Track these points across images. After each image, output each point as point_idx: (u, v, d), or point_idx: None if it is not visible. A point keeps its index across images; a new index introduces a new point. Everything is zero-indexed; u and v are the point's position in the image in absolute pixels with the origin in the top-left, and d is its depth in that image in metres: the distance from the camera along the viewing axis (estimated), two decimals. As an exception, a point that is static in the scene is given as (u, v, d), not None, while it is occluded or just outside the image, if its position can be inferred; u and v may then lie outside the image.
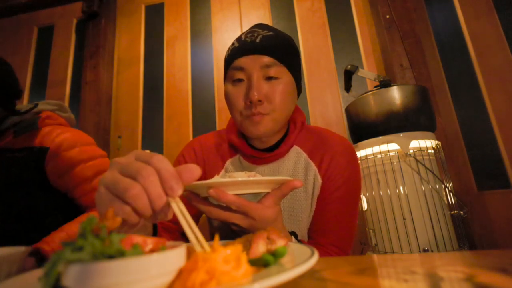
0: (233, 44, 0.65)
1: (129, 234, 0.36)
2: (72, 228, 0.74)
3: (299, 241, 0.58)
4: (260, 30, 0.64)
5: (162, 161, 0.30)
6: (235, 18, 2.02)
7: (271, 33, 0.63)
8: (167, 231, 0.66)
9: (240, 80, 0.62)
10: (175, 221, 0.66)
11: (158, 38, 2.11)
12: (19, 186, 0.80)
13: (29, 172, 0.81)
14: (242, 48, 0.62)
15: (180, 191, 0.29)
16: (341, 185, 0.65)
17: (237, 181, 0.39)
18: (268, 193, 0.45)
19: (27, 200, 0.81)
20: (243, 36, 0.64)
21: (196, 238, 0.28)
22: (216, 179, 0.45)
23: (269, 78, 0.61)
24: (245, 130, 0.63)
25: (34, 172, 0.81)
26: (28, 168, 0.81)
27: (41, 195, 0.82)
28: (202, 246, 0.27)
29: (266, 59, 0.60)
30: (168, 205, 0.30)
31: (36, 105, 0.92)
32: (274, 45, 0.61)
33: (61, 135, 0.85)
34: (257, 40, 0.61)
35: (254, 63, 0.60)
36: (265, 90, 0.60)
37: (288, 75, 0.63)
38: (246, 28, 1.98)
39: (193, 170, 0.31)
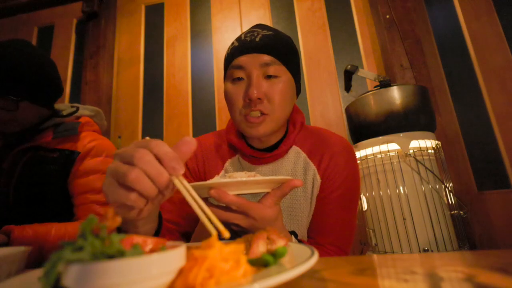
0: (233, 43, 0.65)
1: (136, 223, 0.38)
2: (54, 228, 0.74)
3: (299, 241, 0.58)
4: (259, 30, 0.64)
5: (159, 145, 0.31)
6: (235, 18, 2.02)
7: (270, 32, 0.64)
8: (167, 231, 0.66)
9: (239, 79, 0.62)
10: (174, 221, 0.66)
11: (158, 38, 2.11)
12: (44, 184, 0.83)
13: (57, 173, 0.84)
14: (242, 47, 0.62)
15: (182, 170, 0.31)
16: (340, 184, 0.65)
17: (237, 181, 0.39)
18: (268, 192, 0.45)
19: (48, 198, 0.84)
20: (242, 36, 0.65)
21: (206, 215, 0.29)
22: (217, 179, 0.45)
23: (269, 77, 0.61)
24: (244, 130, 0.63)
25: (62, 173, 0.85)
26: (56, 169, 0.84)
27: (61, 196, 0.85)
28: (214, 225, 0.28)
29: (266, 58, 0.60)
30: (171, 181, 0.32)
31: (77, 109, 0.95)
32: (273, 44, 0.61)
33: (93, 142, 0.89)
34: (257, 39, 0.61)
35: (253, 62, 0.60)
36: (265, 89, 0.60)
37: (287, 74, 0.63)
38: (246, 28, 1.98)
39: (189, 143, 0.33)
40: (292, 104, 0.67)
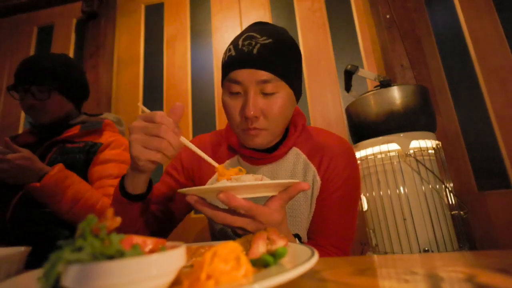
0: (230, 49, 0.62)
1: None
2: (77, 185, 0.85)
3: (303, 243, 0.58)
4: (258, 36, 0.59)
5: (164, 117, 0.46)
6: (235, 18, 2.01)
7: (270, 40, 0.59)
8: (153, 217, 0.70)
9: (237, 93, 0.60)
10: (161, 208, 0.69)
11: (158, 38, 2.10)
12: (72, 170, 0.91)
13: (81, 161, 0.95)
14: (239, 59, 0.58)
15: (181, 131, 0.48)
16: (340, 186, 0.64)
17: (246, 185, 0.39)
18: (274, 196, 0.45)
19: None
20: (240, 43, 0.60)
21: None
22: (224, 182, 0.45)
23: (266, 94, 0.59)
24: (242, 141, 0.64)
25: (85, 161, 0.96)
26: (81, 157, 0.95)
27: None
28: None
29: (263, 75, 0.57)
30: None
31: (102, 114, 1.14)
32: (272, 57, 0.58)
33: (113, 137, 1.02)
34: (254, 51, 0.57)
35: (250, 78, 0.57)
36: (261, 106, 0.58)
37: (286, 88, 0.60)
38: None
39: (180, 106, 0.48)
40: (290, 115, 0.65)
